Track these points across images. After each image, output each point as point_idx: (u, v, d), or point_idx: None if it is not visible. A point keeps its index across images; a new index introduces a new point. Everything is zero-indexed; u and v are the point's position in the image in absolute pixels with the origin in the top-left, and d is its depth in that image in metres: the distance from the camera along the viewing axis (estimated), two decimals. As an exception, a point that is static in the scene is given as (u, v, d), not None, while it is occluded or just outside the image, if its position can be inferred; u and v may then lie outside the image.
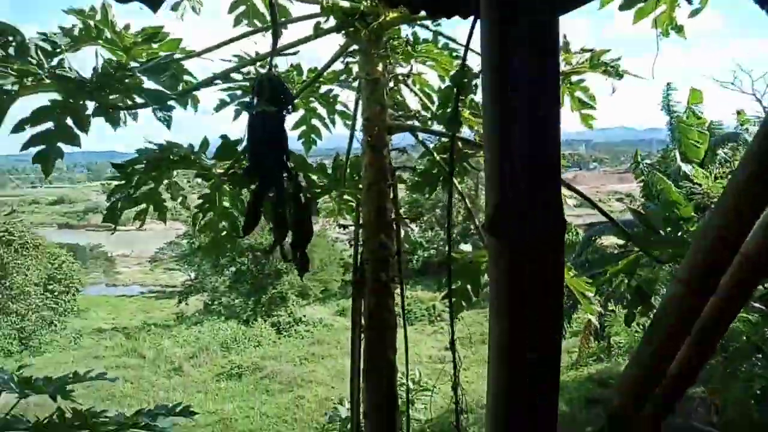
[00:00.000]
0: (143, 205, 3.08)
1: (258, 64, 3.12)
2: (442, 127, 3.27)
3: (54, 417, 2.44)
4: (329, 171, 3.32)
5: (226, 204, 3.34)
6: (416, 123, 3.49)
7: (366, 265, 2.96)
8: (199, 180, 3.31)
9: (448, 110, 2.80)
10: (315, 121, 3.76)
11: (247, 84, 3.31)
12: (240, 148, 2.95)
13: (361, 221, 3.06)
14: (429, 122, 3.54)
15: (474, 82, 2.36)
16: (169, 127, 2.54)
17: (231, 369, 22.77)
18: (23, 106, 2.37)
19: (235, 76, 3.31)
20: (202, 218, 3.30)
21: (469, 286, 3.68)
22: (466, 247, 3.86)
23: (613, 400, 1.47)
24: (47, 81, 2.27)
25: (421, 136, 3.37)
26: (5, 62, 2.19)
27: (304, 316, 27.63)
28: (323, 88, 3.51)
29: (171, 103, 2.55)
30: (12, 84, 2.22)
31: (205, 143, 3.01)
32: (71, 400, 2.63)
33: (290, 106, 2.02)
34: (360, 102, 3.12)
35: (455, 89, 2.40)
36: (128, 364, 23.38)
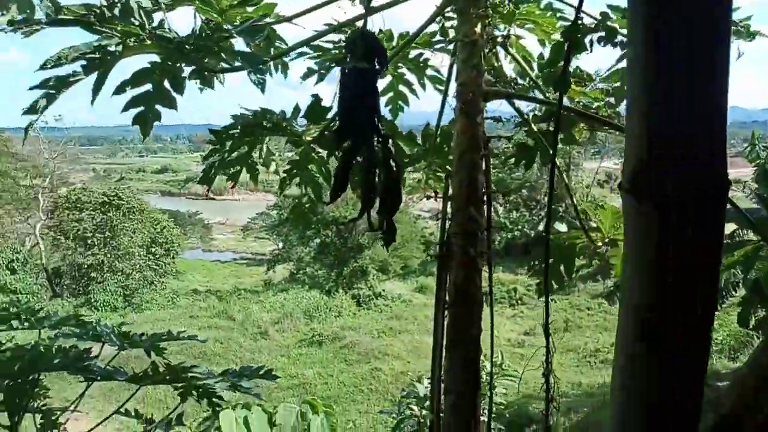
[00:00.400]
0: (236, 168, 3.13)
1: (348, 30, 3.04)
2: (542, 96, 3.03)
3: (149, 370, 2.58)
4: (418, 140, 3.20)
5: (314, 173, 3.33)
6: (512, 91, 3.26)
7: (453, 238, 2.82)
8: (291, 154, 3.33)
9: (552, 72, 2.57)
10: (402, 88, 3.64)
11: (336, 52, 3.24)
12: (329, 115, 2.90)
13: (450, 192, 2.91)
14: (527, 91, 3.31)
15: (588, 38, 2.12)
16: (263, 90, 2.53)
17: (312, 336, 23.66)
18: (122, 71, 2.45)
19: (324, 45, 3.26)
20: (288, 184, 3.31)
21: (562, 267, 3.46)
22: (561, 227, 3.63)
23: (724, 402, 1.32)
24: (148, 42, 2.31)
25: (517, 104, 3.15)
26: (111, 23, 2.24)
27: (384, 290, 28.07)
28: (413, 53, 3.37)
29: (263, 67, 2.54)
30: (116, 45, 2.28)
31: (296, 110, 2.98)
32: (162, 357, 2.76)
33: (384, 64, 1.92)
34: (455, 66, 2.95)
35: (565, 45, 2.18)
36: (219, 325, 24.94)
